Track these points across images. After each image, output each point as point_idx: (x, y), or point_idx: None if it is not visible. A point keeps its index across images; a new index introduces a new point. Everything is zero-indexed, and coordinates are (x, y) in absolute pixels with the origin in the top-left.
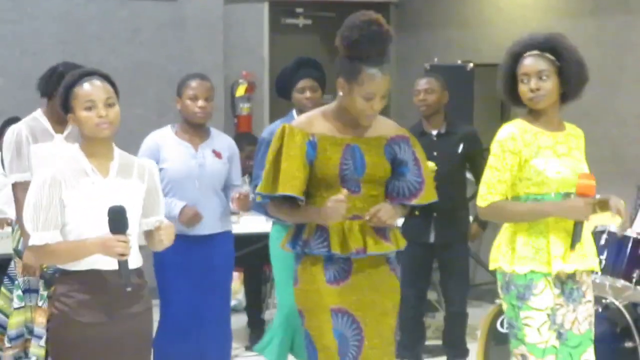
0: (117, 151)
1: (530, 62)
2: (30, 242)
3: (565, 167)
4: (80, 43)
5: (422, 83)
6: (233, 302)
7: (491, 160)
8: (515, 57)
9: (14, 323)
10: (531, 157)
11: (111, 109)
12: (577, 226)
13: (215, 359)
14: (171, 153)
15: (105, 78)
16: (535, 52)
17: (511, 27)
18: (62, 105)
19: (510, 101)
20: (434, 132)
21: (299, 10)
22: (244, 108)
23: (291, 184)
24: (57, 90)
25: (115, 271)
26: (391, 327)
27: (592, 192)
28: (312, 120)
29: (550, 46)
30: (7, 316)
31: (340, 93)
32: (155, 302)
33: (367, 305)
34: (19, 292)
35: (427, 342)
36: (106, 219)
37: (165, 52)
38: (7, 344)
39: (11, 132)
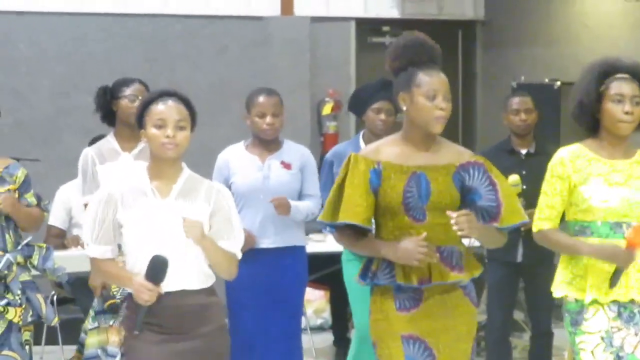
0: (185, 173)
1: (627, 84)
2: (89, 253)
3: (615, 196)
4: (166, 62)
5: (519, 102)
6: (319, 321)
7: (544, 185)
8: (602, 77)
9: (90, 343)
10: (580, 183)
11: (181, 132)
12: (617, 271)
13: None
14: (239, 167)
15: (183, 101)
16: (626, 75)
17: (598, 45)
18: (137, 120)
19: (584, 122)
20: (523, 152)
21: (386, 28)
22: (330, 126)
23: (353, 211)
24: (114, 108)
25: (180, 292)
26: (466, 353)
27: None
28: (379, 148)
29: (635, 72)
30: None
31: (404, 108)
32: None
33: (440, 331)
34: (93, 313)
35: None
36: (163, 241)
37: (251, 70)
38: None
39: (81, 156)
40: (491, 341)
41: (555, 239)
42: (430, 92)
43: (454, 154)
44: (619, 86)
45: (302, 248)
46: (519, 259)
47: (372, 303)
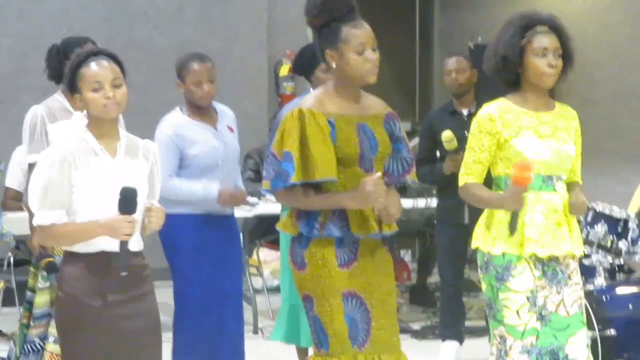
0: (122, 132)
1: (549, 38)
2: (35, 222)
3: (547, 149)
4: (124, 20)
5: (451, 62)
6: (276, 282)
7: (470, 140)
8: (523, 31)
9: (39, 302)
10: (511, 137)
11: (118, 90)
12: (514, 215)
13: (233, 331)
14: (196, 137)
15: (112, 58)
16: (546, 28)
17: (555, 4)
18: (69, 86)
19: (505, 76)
20: (465, 112)
21: None
22: (287, 87)
23: (327, 167)
24: (65, 68)
25: (113, 253)
26: (394, 307)
27: (525, 182)
28: (322, 101)
29: (556, 25)
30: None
31: (333, 65)
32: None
33: (373, 287)
34: (43, 272)
35: (470, 323)
36: (116, 198)
37: (209, 30)
38: (32, 323)
39: (28, 113)
40: (444, 299)
41: (472, 192)
42: (358, 47)
43: (377, 104)
44: (541, 39)
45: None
46: (466, 220)
47: (310, 256)
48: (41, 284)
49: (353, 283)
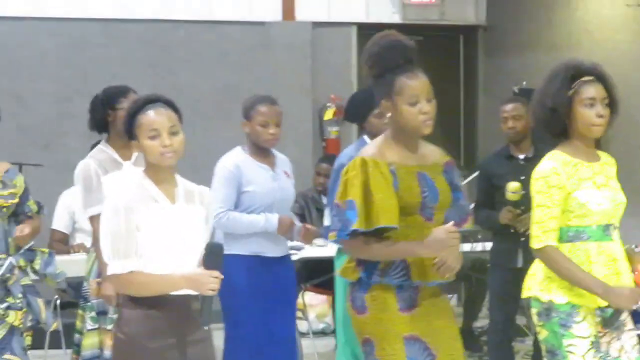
0: (179, 177)
1: (595, 87)
2: (110, 271)
3: (605, 199)
4: (168, 67)
5: (507, 109)
6: (321, 325)
7: (538, 199)
8: (570, 81)
9: (88, 344)
10: (573, 189)
11: (175, 137)
12: (617, 312)
13: None
14: (254, 176)
15: (169, 104)
16: (592, 78)
17: (599, 50)
18: (126, 132)
19: (554, 127)
20: (521, 157)
21: None
22: (332, 131)
23: (389, 215)
24: (109, 118)
25: (181, 296)
26: (461, 352)
27: None
28: (382, 151)
29: (601, 74)
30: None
31: (389, 115)
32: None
33: (437, 332)
34: (93, 313)
35: None
36: (178, 245)
37: (252, 76)
38: None
39: (79, 167)
40: (493, 345)
41: (557, 260)
42: (412, 99)
43: (436, 152)
44: (588, 90)
45: (289, 256)
46: (520, 264)
47: (371, 300)
48: (90, 325)
49: (415, 327)
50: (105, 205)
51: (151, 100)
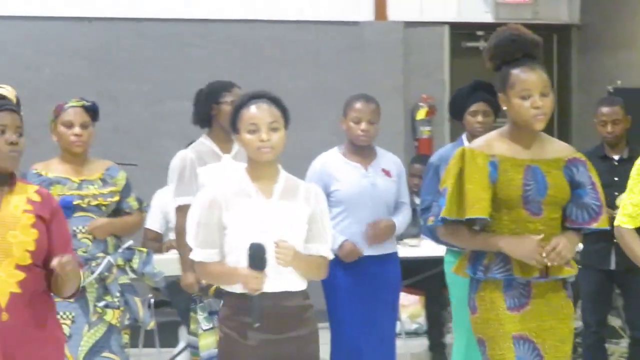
0: (283, 174)
1: None
2: (192, 256)
3: None
4: (261, 67)
5: (606, 114)
6: (414, 326)
7: (630, 183)
8: None
9: (205, 345)
10: None
11: (274, 133)
12: None
13: None
14: (342, 174)
15: (274, 101)
16: None
17: None
18: (231, 125)
19: None
20: (616, 157)
21: (480, 33)
22: (424, 131)
23: (480, 206)
24: (212, 112)
25: (278, 294)
26: (568, 355)
27: None
28: (490, 142)
29: None
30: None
31: (504, 108)
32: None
33: (547, 332)
34: (205, 313)
35: None
36: (268, 240)
37: (344, 76)
38: None
39: (177, 157)
40: (586, 346)
41: (626, 241)
42: (524, 92)
43: (561, 148)
44: None
45: (396, 254)
46: (613, 266)
47: (480, 300)
48: (205, 325)
49: (525, 327)
50: (199, 194)
51: (257, 96)
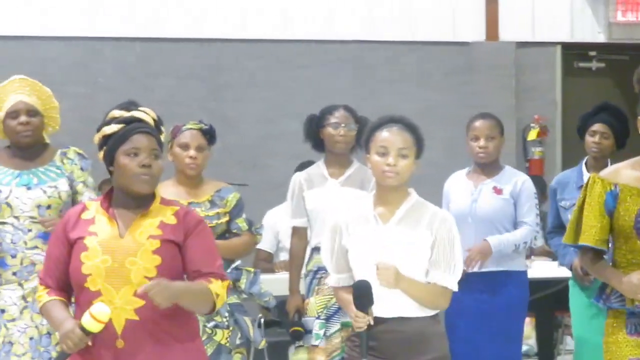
0: (411, 199)
1: None
2: (326, 280)
3: None
4: (371, 87)
5: None
6: (525, 348)
7: None
8: None
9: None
10: None
11: (403, 160)
12: None
13: None
14: (455, 193)
15: (410, 129)
16: None
17: None
18: (364, 144)
19: None
20: None
21: (592, 53)
22: (536, 152)
23: (589, 233)
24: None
25: (398, 318)
26: None
27: None
28: (618, 170)
29: None
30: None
31: None
32: None
33: None
34: (321, 331)
35: None
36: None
37: (455, 96)
38: None
39: (291, 179)
40: None
41: None
42: None
43: None
44: None
45: (518, 273)
46: None
47: (607, 326)
48: (314, 340)
49: None
50: (328, 221)
51: (394, 120)
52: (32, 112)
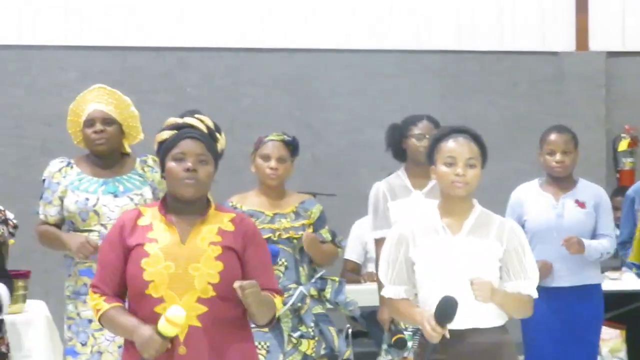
0: (477, 210)
1: None
2: (384, 293)
3: None
4: (459, 97)
5: None
6: None
7: None
8: None
9: None
10: None
11: (471, 170)
12: None
13: None
14: (532, 205)
15: (475, 138)
16: None
17: None
18: (428, 156)
19: None
20: None
21: None
22: (626, 163)
23: (635, 252)
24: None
25: (471, 330)
26: None
27: None
28: None
29: None
30: None
31: None
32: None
33: None
34: (385, 346)
35: None
36: (454, 277)
37: (543, 106)
38: None
39: (372, 189)
40: None
41: None
42: None
43: None
44: None
45: (598, 286)
46: None
47: None
48: (383, 358)
49: None
50: (390, 231)
51: (458, 130)
52: (108, 120)
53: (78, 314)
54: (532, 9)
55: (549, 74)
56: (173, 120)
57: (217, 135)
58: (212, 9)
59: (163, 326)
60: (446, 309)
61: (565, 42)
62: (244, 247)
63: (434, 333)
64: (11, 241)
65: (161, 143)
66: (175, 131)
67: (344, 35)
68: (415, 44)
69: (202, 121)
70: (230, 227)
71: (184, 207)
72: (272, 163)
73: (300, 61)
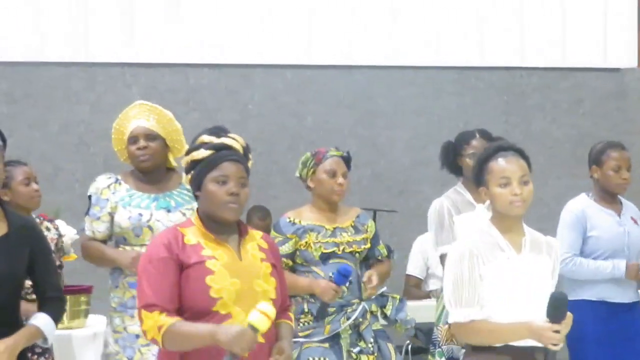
0: (525, 227)
1: None
2: (452, 319)
3: None
4: (521, 114)
5: None
6: None
7: None
8: None
9: None
10: None
11: (526, 187)
12: None
13: None
14: (598, 221)
15: (521, 154)
16: None
17: None
18: (474, 178)
19: None
20: None
21: None
22: None
23: None
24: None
25: (527, 347)
26: None
27: None
28: None
29: None
30: None
31: None
32: None
33: None
34: (443, 359)
35: None
36: (523, 295)
37: (607, 123)
38: None
39: (433, 205)
40: None
41: None
42: None
43: None
44: None
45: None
46: None
47: None
48: None
49: None
50: (451, 250)
51: (504, 148)
52: (150, 136)
53: (125, 329)
54: (594, 25)
55: (612, 90)
56: (208, 138)
57: (249, 155)
58: (275, 27)
59: (257, 319)
60: (561, 305)
61: (627, 58)
62: (276, 264)
63: (556, 335)
64: (73, 256)
65: (196, 161)
66: (212, 151)
67: (408, 53)
68: (479, 61)
69: (237, 141)
70: (264, 244)
71: (216, 226)
72: (340, 179)
73: (363, 78)
